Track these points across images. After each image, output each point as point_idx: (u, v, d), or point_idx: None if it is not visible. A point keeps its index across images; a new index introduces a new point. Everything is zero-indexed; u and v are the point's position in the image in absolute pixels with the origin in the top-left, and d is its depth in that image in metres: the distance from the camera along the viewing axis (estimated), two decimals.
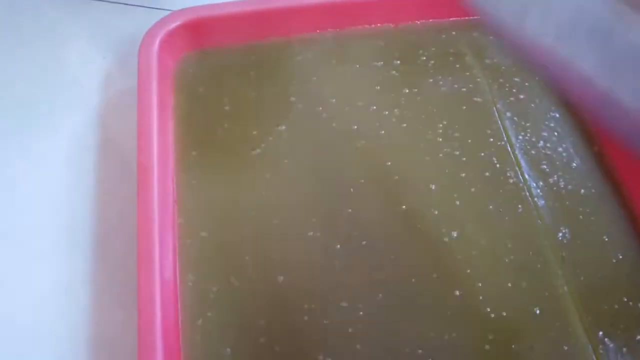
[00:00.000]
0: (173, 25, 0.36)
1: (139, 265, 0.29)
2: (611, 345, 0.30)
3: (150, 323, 0.27)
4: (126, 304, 0.32)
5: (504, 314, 0.30)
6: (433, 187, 0.34)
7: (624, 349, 0.30)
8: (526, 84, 0.39)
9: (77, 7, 0.46)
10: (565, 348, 0.30)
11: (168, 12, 0.38)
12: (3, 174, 0.37)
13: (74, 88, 0.41)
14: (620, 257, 0.33)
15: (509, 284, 0.32)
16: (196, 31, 0.37)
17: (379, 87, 0.38)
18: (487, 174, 0.35)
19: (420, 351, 0.29)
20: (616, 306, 0.31)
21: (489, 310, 0.31)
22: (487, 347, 0.29)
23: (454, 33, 0.41)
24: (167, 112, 0.35)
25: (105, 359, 0.31)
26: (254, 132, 0.36)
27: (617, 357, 0.30)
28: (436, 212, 0.33)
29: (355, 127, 0.36)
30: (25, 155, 0.38)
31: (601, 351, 0.30)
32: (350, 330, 0.30)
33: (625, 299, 0.31)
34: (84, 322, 0.32)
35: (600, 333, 0.30)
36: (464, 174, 0.35)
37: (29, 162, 0.38)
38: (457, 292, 0.31)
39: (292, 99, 0.37)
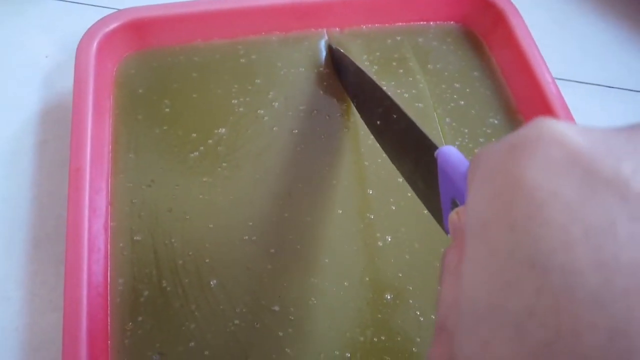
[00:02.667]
0: (112, 26, 0.36)
1: (66, 269, 0.28)
2: None
3: (75, 327, 0.27)
4: (59, 307, 0.32)
5: (433, 317, 0.31)
6: (370, 192, 0.35)
7: None
8: (467, 90, 0.40)
9: (22, 4, 0.45)
10: None
11: (114, 11, 0.38)
12: None
13: (13, 87, 0.40)
14: None
15: (439, 287, 0.32)
16: (137, 32, 0.37)
17: (322, 92, 0.38)
18: None
19: (348, 354, 0.30)
20: None
21: (418, 313, 0.31)
22: (414, 349, 0.30)
23: (399, 38, 0.42)
24: (105, 113, 0.35)
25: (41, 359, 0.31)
26: (193, 135, 0.35)
27: None
28: (372, 217, 0.34)
29: (296, 131, 0.36)
30: None
31: None
32: (280, 334, 0.30)
33: None
34: (17, 325, 0.32)
35: None
36: (401, 179, 0.35)
37: None
38: (388, 296, 0.32)
39: (234, 101, 0.37)
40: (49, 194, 0.36)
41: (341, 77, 0.38)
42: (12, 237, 0.35)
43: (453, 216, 0.19)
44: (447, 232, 0.23)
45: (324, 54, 0.40)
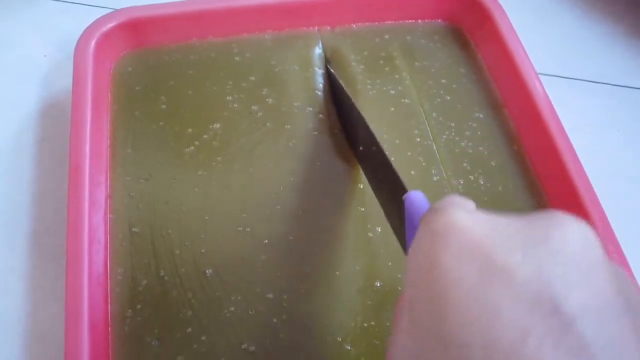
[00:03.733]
0: (109, 25, 0.37)
1: (68, 260, 0.29)
2: None
3: (77, 314, 0.28)
4: (60, 298, 0.33)
5: None
6: (361, 185, 0.36)
7: None
8: (453, 85, 0.41)
9: (20, 4, 0.46)
10: None
11: (112, 11, 0.39)
12: None
13: (13, 86, 0.41)
14: None
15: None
16: (134, 31, 0.38)
17: (315, 90, 0.40)
18: (412, 172, 0.37)
19: (339, 339, 0.31)
20: None
21: None
22: None
23: (387, 37, 0.43)
24: (103, 110, 0.36)
25: (40, 351, 0.32)
26: (189, 130, 0.37)
27: None
28: (362, 209, 0.35)
29: (288, 127, 0.38)
30: None
31: None
32: (274, 320, 0.31)
33: None
34: (19, 315, 0.33)
35: None
36: None
37: None
38: (378, 284, 0.33)
39: (229, 98, 0.38)
40: (48, 189, 0.37)
41: (335, 99, 0.39)
42: (13, 231, 0.36)
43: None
44: None
45: (317, 52, 0.41)
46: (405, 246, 0.25)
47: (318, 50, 0.41)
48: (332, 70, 0.40)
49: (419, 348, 0.15)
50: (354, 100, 0.36)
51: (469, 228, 0.16)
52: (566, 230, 0.16)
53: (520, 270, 0.15)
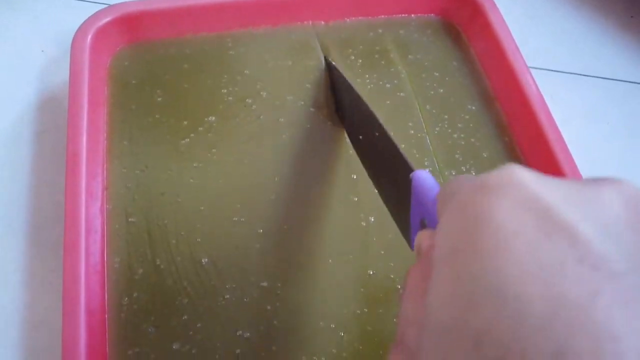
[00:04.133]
0: (105, 20, 0.37)
1: (65, 249, 0.30)
2: None
3: (74, 302, 0.29)
4: (57, 288, 0.34)
5: None
6: (354, 176, 0.37)
7: None
8: (446, 78, 0.42)
9: (17, 1, 0.46)
10: None
11: (108, 6, 0.39)
12: None
13: (11, 81, 0.42)
14: None
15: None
16: (129, 25, 0.39)
17: (308, 85, 0.40)
18: None
19: (333, 325, 0.32)
20: None
21: (399, 287, 0.33)
22: (395, 320, 0.32)
23: (380, 31, 0.43)
24: (100, 104, 0.37)
25: (38, 341, 0.33)
26: (185, 123, 0.37)
27: None
28: (356, 199, 0.36)
29: (282, 120, 0.38)
30: None
31: None
32: (268, 307, 0.32)
33: None
34: (17, 305, 0.33)
35: None
36: None
37: None
38: (371, 272, 0.33)
39: (224, 91, 0.39)
40: (46, 181, 0.38)
41: (335, 90, 0.40)
42: (11, 223, 0.36)
43: (420, 237, 0.20)
44: (412, 247, 0.24)
45: (310, 46, 0.42)
46: (403, 224, 0.26)
47: (311, 45, 0.42)
48: (332, 62, 0.40)
49: (467, 300, 0.15)
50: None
51: (528, 183, 0.15)
52: (613, 190, 0.15)
53: (581, 228, 0.14)
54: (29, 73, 0.42)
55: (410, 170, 0.24)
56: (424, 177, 0.23)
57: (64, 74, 0.39)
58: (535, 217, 0.15)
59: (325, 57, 0.41)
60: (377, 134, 0.31)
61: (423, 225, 0.23)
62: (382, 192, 0.31)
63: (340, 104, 0.39)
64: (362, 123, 0.34)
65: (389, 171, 0.29)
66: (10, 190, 0.37)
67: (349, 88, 0.36)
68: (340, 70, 0.38)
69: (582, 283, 0.13)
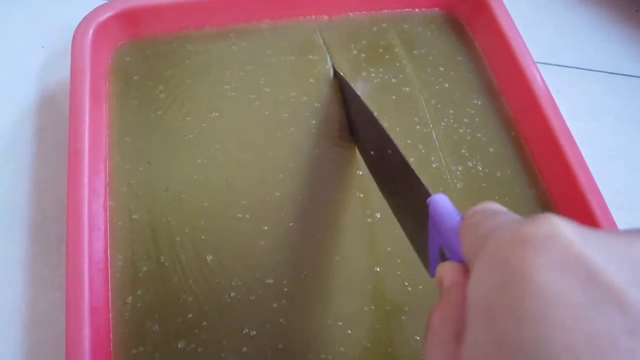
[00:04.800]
0: (106, 15, 0.37)
1: (68, 247, 0.29)
2: None
3: (78, 300, 0.28)
4: (60, 286, 0.33)
5: (420, 287, 0.33)
6: (360, 172, 0.36)
7: None
8: (451, 73, 0.41)
9: None
10: None
11: (109, 1, 0.39)
12: None
13: (12, 77, 0.41)
14: None
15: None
16: (131, 21, 0.38)
17: (312, 80, 0.40)
18: (412, 159, 0.37)
19: (340, 323, 0.31)
20: None
21: (406, 284, 0.33)
22: (403, 317, 0.32)
23: (384, 25, 0.43)
24: (102, 100, 0.36)
25: (40, 338, 0.32)
26: (188, 119, 0.37)
27: None
28: (361, 196, 0.35)
29: (287, 115, 0.38)
30: None
31: None
32: (274, 305, 0.31)
33: None
34: (19, 304, 0.33)
35: None
36: None
37: None
38: (378, 268, 0.33)
39: (227, 87, 0.38)
40: (48, 179, 0.37)
41: (344, 101, 0.39)
42: (14, 220, 0.36)
43: (442, 271, 0.19)
44: (431, 275, 0.23)
45: (313, 41, 0.41)
46: (420, 249, 0.25)
47: (314, 40, 0.42)
48: (340, 72, 0.39)
49: None
50: (362, 98, 0.35)
51: (570, 238, 0.14)
52: None
53: (630, 293, 0.13)
54: (29, 70, 0.42)
55: (427, 194, 0.23)
56: (442, 203, 0.22)
57: (64, 71, 0.38)
58: (580, 278, 0.14)
59: (335, 70, 0.40)
60: (389, 151, 0.30)
61: (442, 255, 0.22)
62: (396, 213, 0.30)
63: (351, 120, 0.38)
64: (375, 142, 0.33)
65: (404, 193, 0.28)
66: (11, 188, 0.37)
67: (361, 104, 0.34)
68: (344, 69, 0.37)
69: (633, 357, 0.12)
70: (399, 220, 0.30)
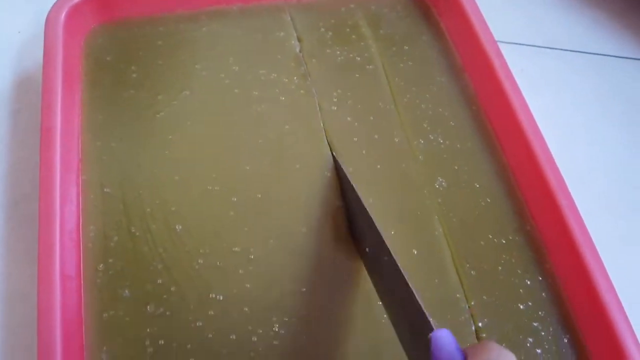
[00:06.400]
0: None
1: (40, 217, 0.31)
2: (473, 272, 0.34)
3: (49, 268, 0.29)
4: (34, 261, 0.34)
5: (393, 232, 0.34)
6: (325, 149, 0.37)
7: (486, 277, 0.34)
8: (416, 52, 0.43)
9: None
10: (436, 281, 0.34)
11: None
12: None
13: None
14: (489, 200, 0.37)
15: (393, 232, 0.35)
16: (103, 4, 0.39)
17: (279, 57, 0.41)
18: (376, 136, 0.39)
19: (304, 289, 0.32)
20: (482, 242, 0.35)
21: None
22: (369, 285, 0.33)
23: (352, 6, 0.44)
24: (74, 80, 0.37)
25: (16, 312, 0.33)
26: (159, 97, 0.38)
27: (480, 284, 0.34)
28: (328, 175, 0.36)
29: (256, 93, 0.39)
30: None
31: (466, 280, 0.34)
32: (241, 271, 0.33)
33: (490, 236, 0.35)
34: None
35: (467, 265, 0.34)
36: (356, 139, 0.38)
37: None
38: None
39: (197, 66, 0.40)
40: (24, 158, 0.38)
41: (345, 198, 0.36)
42: None
43: None
44: None
45: (281, 21, 0.43)
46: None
47: (283, 19, 0.43)
48: (340, 164, 0.36)
49: None
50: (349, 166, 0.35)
51: None
52: None
53: None
54: (5, 54, 0.43)
55: (430, 329, 0.23)
56: (444, 340, 0.21)
57: (39, 54, 0.39)
58: None
59: (332, 154, 0.37)
60: (385, 258, 0.29)
61: None
62: (400, 339, 0.29)
63: (350, 213, 0.35)
64: (376, 252, 0.31)
65: (407, 319, 0.27)
66: None
67: (359, 202, 0.32)
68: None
69: None
70: (393, 324, 0.29)
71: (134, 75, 0.39)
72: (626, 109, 0.47)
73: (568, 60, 0.49)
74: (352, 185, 0.34)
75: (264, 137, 0.37)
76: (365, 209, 0.31)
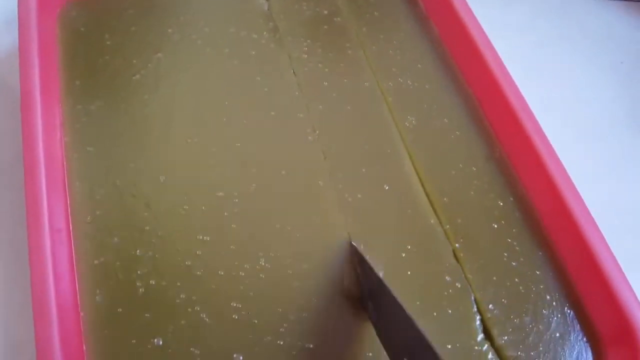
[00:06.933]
0: None
1: (26, 175, 0.32)
2: (445, 199, 0.35)
3: (38, 221, 0.30)
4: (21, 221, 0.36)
5: (359, 196, 0.35)
6: (297, 93, 0.39)
7: (459, 202, 0.35)
8: (382, 2, 0.44)
9: None
10: (409, 211, 0.35)
11: None
12: None
13: None
14: (458, 133, 0.38)
15: (364, 170, 0.37)
16: None
17: (248, 14, 0.42)
18: (345, 80, 0.40)
19: (289, 228, 0.34)
20: (453, 172, 0.37)
21: (346, 195, 0.35)
22: (342, 222, 0.34)
23: None
24: (50, 51, 0.38)
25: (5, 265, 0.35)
26: (134, 61, 0.39)
27: (453, 209, 0.35)
28: (301, 116, 0.38)
29: (227, 50, 0.40)
30: None
31: (439, 207, 0.35)
32: (225, 213, 0.34)
33: (461, 165, 0.37)
34: None
35: (439, 193, 0.36)
36: (326, 83, 0.40)
37: None
38: (321, 182, 0.36)
39: (169, 30, 0.41)
40: (5, 131, 0.39)
41: (360, 278, 0.33)
42: None
43: None
44: None
45: None
46: None
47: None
48: (360, 250, 0.34)
49: None
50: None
51: None
52: None
53: None
54: None
55: None
56: None
57: (16, 33, 0.40)
58: None
59: (351, 244, 0.34)
60: (405, 327, 0.28)
61: None
62: None
63: (364, 288, 0.33)
64: (393, 319, 0.29)
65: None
66: None
67: (380, 284, 0.31)
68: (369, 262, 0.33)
69: None
70: None
71: (108, 43, 0.40)
72: (590, 45, 0.49)
73: (531, 1, 0.50)
74: None
75: (237, 90, 0.39)
76: None
